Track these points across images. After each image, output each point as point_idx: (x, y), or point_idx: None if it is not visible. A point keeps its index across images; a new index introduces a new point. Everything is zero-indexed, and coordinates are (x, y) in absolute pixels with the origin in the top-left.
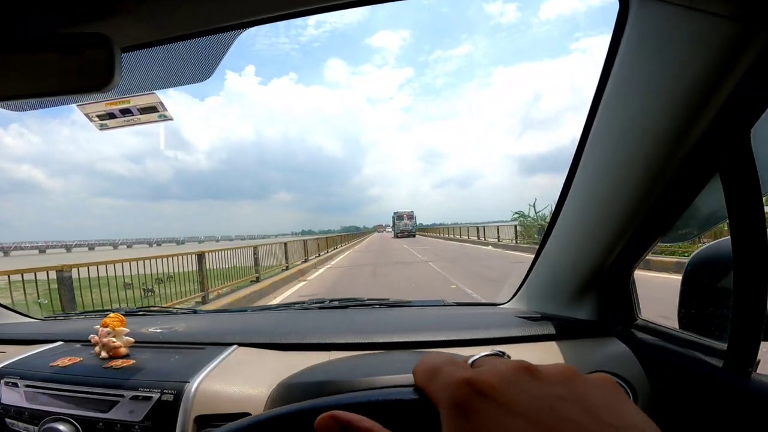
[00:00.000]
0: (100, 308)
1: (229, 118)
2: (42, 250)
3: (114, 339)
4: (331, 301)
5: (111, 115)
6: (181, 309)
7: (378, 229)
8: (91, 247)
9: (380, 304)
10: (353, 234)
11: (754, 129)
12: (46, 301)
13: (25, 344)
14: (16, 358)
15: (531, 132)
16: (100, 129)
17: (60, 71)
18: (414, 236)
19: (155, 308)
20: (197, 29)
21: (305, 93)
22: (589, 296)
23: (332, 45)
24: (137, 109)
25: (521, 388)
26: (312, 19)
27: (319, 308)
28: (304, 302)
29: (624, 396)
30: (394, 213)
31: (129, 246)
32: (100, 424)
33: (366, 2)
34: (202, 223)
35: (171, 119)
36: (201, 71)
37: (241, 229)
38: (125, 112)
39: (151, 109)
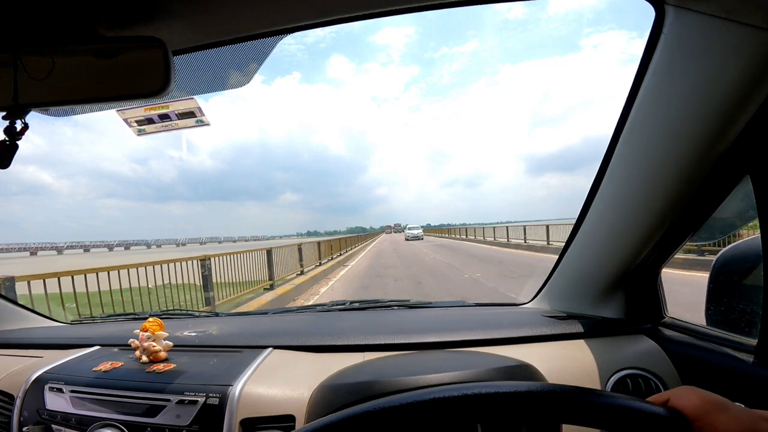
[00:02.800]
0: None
1: (235, 118)
2: (33, 252)
3: (154, 343)
4: (352, 303)
5: (149, 121)
6: (202, 312)
7: (386, 229)
8: (87, 249)
9: (401, 306)
10: (357, 236)
11: None
12: (74, 305)
13: (61, 348)
14: (57, 363)
15: (540, 131)
16: (138, 134)
17: (117, 75)
18: None
19: (176, 311)
20: (242, 34)
21: (310, 92)
22: (616, 295)
23: (338, 44)
24: (176, 114)
25: None
26: None
27: (340, 310)
28: (324, 304)
29: None
30: None
31: (126, 248)
32: (148, 429)
33: (391, 12)
34: (209, 224)
35: (208, 124)
36: (241, 77)
37: (249, 231)
38: (163, 117)
39: (189, 114)
